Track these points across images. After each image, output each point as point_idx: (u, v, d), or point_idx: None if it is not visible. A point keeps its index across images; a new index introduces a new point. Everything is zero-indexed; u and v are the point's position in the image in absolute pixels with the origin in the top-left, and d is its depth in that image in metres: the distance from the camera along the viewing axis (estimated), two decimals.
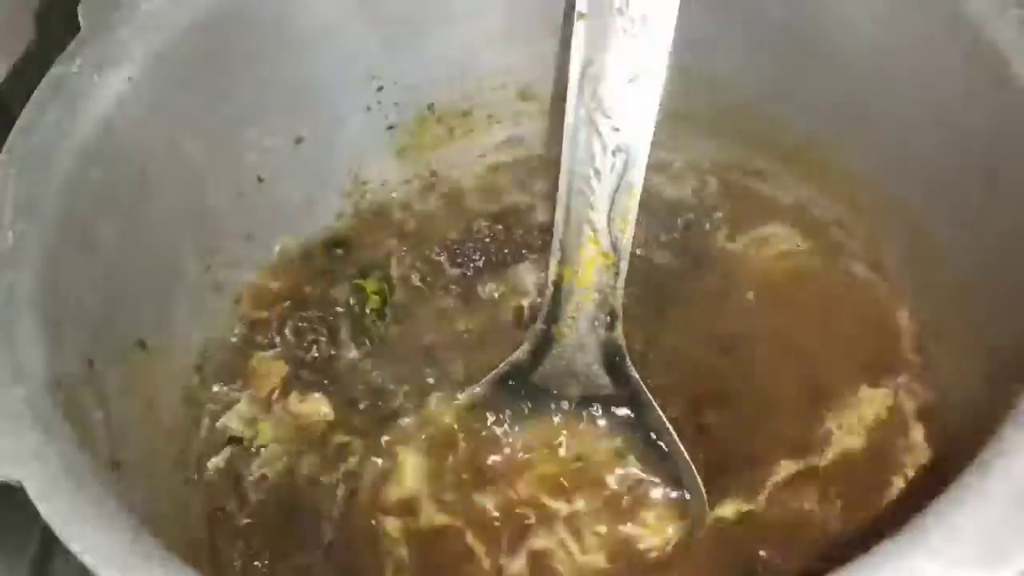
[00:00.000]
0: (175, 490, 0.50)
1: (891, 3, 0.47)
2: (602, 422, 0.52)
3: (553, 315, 0.53)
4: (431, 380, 0.54)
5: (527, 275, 0.58)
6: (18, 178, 0.43)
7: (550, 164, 0.61)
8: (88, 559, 0.34)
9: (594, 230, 0.51)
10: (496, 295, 0.57)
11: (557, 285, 0.53)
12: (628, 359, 0.52)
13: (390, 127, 0.58)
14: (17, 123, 0.44)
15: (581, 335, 0.52)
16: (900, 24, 0.47)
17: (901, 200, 0.52)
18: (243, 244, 0.55)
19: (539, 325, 0.53)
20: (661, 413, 0.50)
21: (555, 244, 0.53)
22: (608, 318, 0.52)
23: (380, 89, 0.57)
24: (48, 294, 0.41)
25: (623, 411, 0.52)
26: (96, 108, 0.45)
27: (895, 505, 0.48)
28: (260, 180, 0.54)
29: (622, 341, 0.52)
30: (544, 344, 0.53)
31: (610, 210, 0.51)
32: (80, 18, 0.47)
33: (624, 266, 0.52)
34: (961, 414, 0.50)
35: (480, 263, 0.58)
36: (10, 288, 0.40)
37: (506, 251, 0.59)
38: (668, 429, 0.50)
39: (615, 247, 0.51)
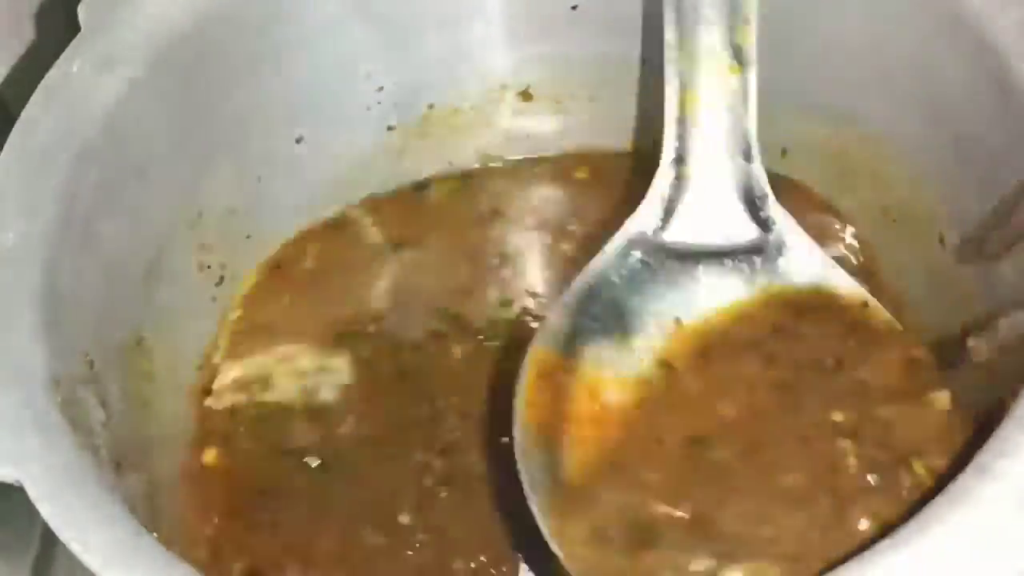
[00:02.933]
0: (175, 490, 0.50)
1: (891, 3, 0.47)
2: (747, 275, 0.47)
3: (680, 155, 0.48)
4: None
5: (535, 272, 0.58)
6: (18, 178, 0.43)
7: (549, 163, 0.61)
8: (88, 559, 0.34)
9: (713, 42, 0.47)
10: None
11: (680, 119, 0.47)
12: (771, 195, 0.47)
13: (390, 127, 0.58)
14: (17, 123, 0.44)
15: (715, 170, 0.47)
16: (900, 24, 0.47)
17: (899, 200, 0.52)
18: (243, 244, 0.55)
19: (663, 169, 0.47)
20: (822, 251, 0.47)
21: (669, 71, 0.47)
22: (744, 143, 0.47)
23: (380, 89, 0.57)
24: (48, 294, 0.41)
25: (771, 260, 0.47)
26: (96, 108, 0.45)
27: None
28: (260, 180, 0.54)
29: (762, 173, 0.47)
30: (673, 193, 0.48)
31: (729, 15, 0.47)
32: (80, 18, 0.47)
33: (753, 80, 0.47)
34: (961, 414, 0.50)
35: None
36: (10, 288, 0.40)
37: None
38: (833, 263, 0.47)
39: (739, 57, 0.47)
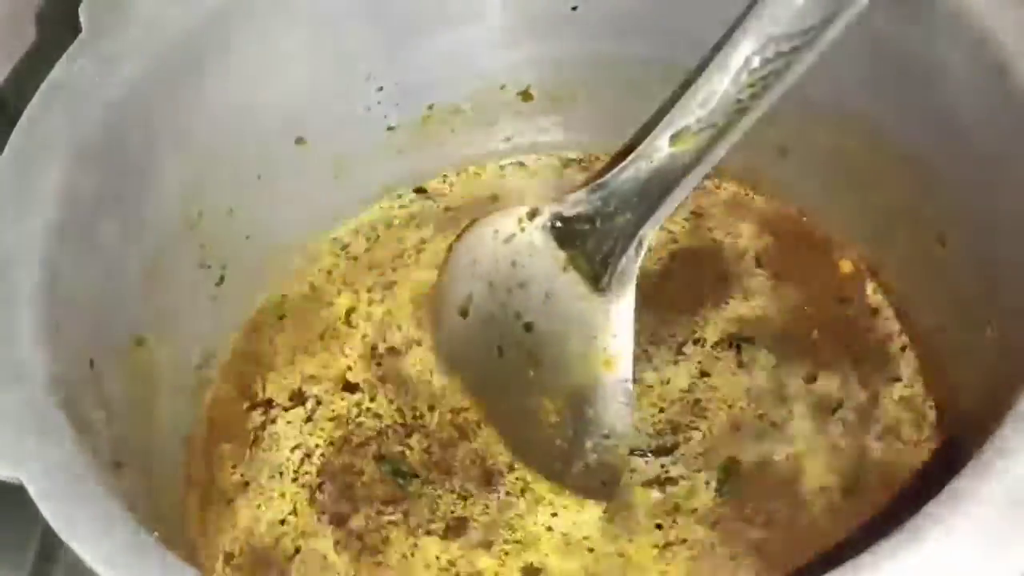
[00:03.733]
0: (175, 490, 0.50)
1: (890, 3, 0.47)
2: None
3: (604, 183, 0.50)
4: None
5: None
6: (18, 178, 0.43)
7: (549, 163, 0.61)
8: (88, 559, 0.34)
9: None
10: None
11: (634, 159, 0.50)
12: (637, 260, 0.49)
13: (390, 127, 0.58)
14: (18, 124, 0.44)
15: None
16: (899, 24, 0.47)
17: (899, 200, 0.52)
18: (243, 244, 0.55)
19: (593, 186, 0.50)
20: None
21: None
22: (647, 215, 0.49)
23: (380, 89, 0.57)
24: (48, 294, 0.41)
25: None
26: (96, 108, 0.45)
27: (895, 505, 0.48)
28: (259, 180, 0.54)
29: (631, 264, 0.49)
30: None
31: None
32: (81, 19, 0.47)
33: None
34: (961, 414, 0.50)
35: None
36: (10, 288, 0.40)
37: None
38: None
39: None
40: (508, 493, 0.51)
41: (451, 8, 0.55)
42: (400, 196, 0.61)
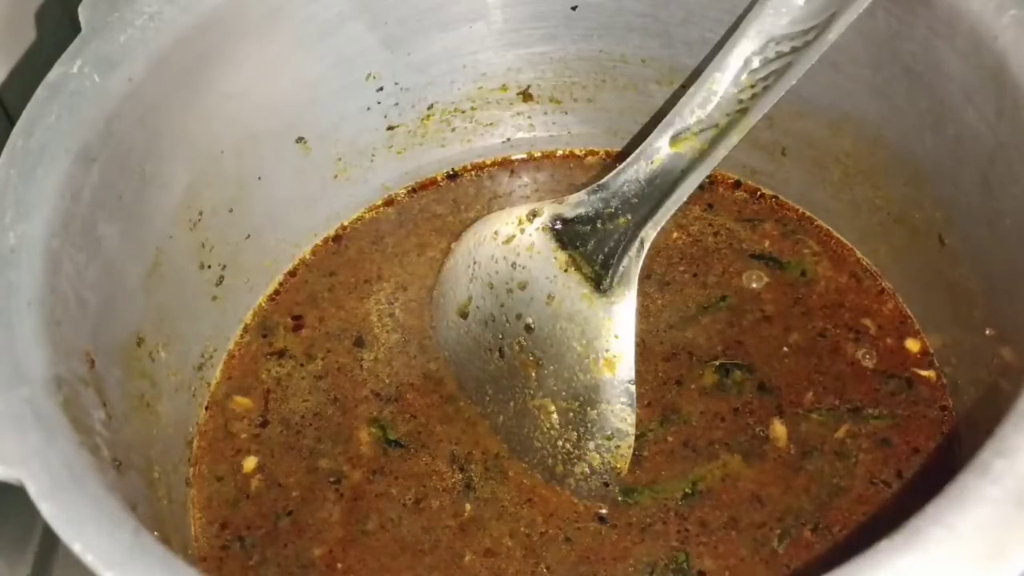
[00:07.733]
0: (175, 490, 0.50)
1: (890, 3, 0.47)
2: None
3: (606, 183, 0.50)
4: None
5: None
6: (18, 178, 0.43)
7: (548, 163, 0.61)
8: (88, 559, 0.34)
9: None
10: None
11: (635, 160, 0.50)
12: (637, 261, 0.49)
13: (390, 127, 0.59)
14: (17, 123, 0.44)
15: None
16: (898, 24, 0.47)
17: (899, 200, 0.52)
18: (243, 244, 0.55)
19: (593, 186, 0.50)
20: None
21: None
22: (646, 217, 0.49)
23: (380, 89, 0.57)
24: (48, 294, 0.41)
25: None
26: (96, 108, 0.45)
27: (895, 505, 0.48)
28: (260, 180, 0.55)
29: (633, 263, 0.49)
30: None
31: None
32: (80, 18, 0.47)
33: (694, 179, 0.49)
34: (961, 414, 0.50)
35: None
36: (10, 288, 0.40)
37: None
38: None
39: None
40: (483, 476, 0.51)
41: (451, 9, 0.55)
42: (400, 196, 0.61)
